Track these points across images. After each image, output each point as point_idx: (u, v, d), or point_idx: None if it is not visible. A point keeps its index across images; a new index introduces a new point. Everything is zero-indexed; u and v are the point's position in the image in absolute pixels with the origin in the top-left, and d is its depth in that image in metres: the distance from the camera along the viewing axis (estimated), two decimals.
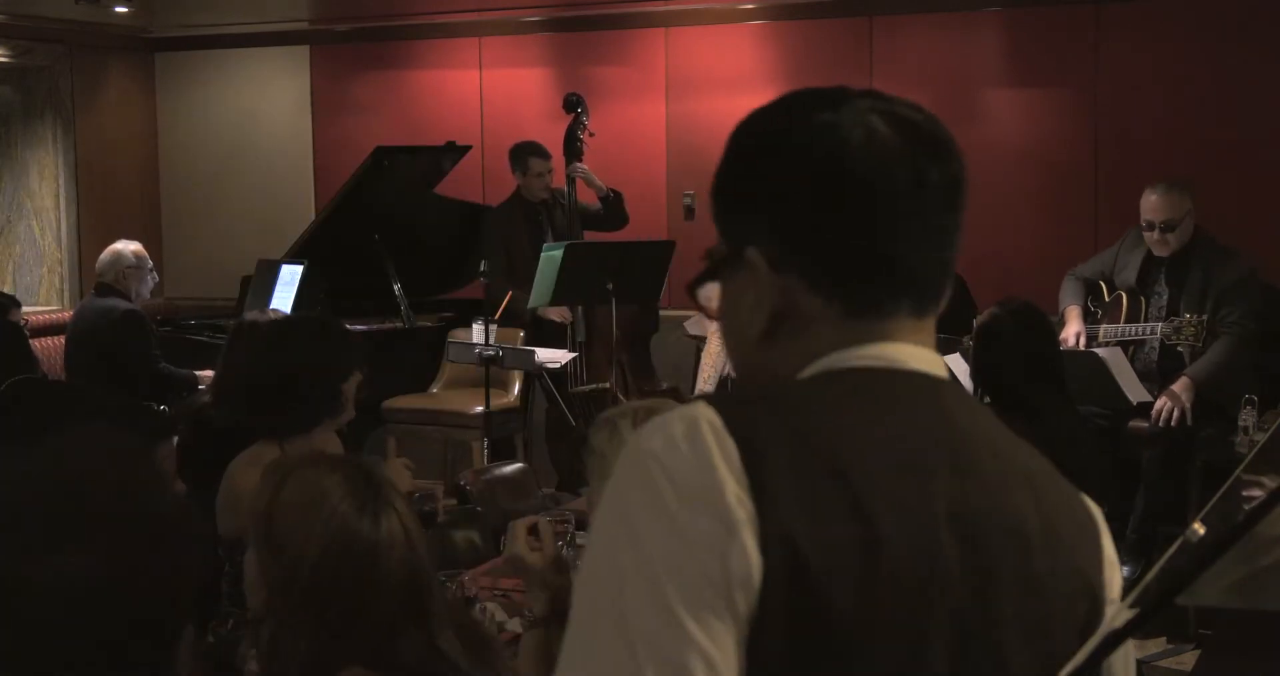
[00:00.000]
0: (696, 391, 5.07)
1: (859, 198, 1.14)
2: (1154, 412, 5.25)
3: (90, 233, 8.30)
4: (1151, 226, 5.46)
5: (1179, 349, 5.25)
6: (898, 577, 1.06)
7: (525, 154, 6.76)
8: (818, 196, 1.15)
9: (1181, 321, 5.22)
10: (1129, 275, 5.61)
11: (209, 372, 6.15)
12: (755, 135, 1.21)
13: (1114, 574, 1.21)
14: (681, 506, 1.04)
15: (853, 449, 1.09)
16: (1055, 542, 1.16)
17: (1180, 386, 5.25)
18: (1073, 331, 5.55)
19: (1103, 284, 5.77)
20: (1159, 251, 5.50)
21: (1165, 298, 5.50)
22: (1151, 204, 5.45)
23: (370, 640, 1.99)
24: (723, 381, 4.89)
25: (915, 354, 1.17)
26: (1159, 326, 5.31)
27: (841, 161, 1.15)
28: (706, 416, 1.08)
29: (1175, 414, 5.21)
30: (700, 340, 6.30)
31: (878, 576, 1.05)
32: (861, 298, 1.16)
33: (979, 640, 1.10)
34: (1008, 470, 1.18)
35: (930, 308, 1.18)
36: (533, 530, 2.48)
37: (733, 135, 1.22)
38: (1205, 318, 5.22)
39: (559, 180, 6.82)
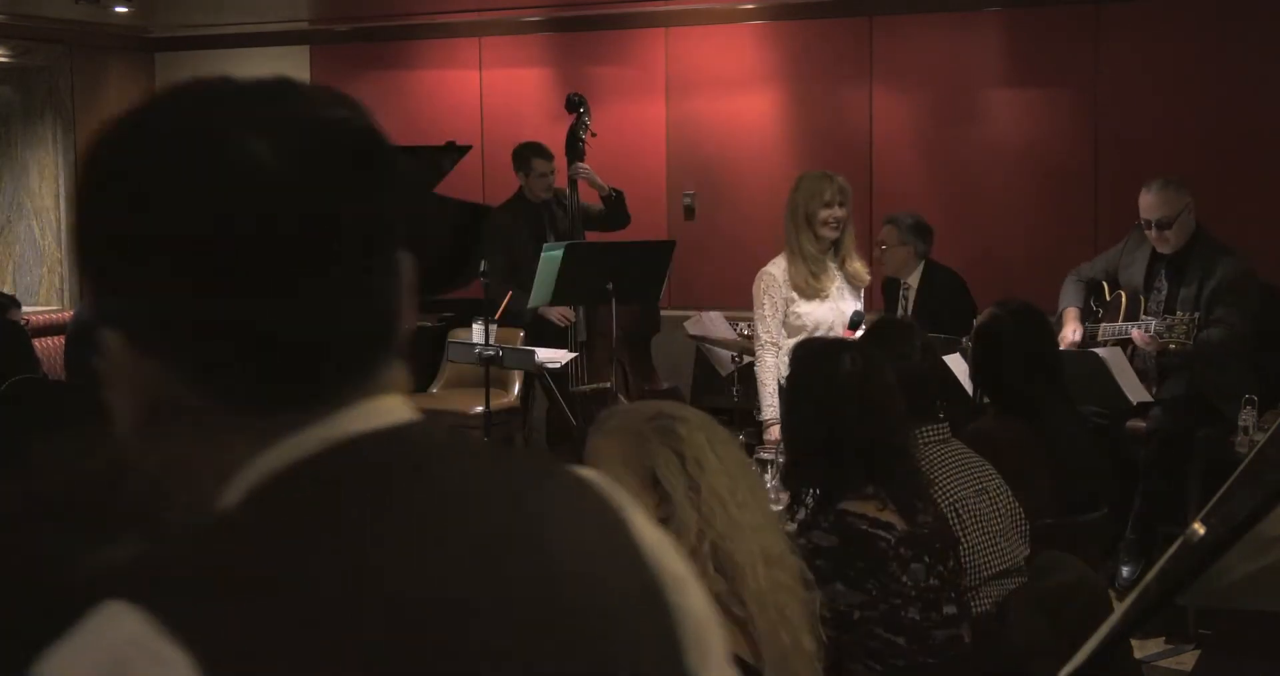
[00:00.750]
0: (765, 408, 5.03)
1: (245, 260, 0.84)
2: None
3: None
4: (1149, 224, 5.48)
5: (1171, 347, 5.25)
6: None
7: (529, 154, 6.77)
8: (183, 263, 0.84)
9: (1174, 319, 5.23)
10: (1135, 272, 5.62)
11: None
12: (103, 169, 0.88)
13: (661, 546, 1.01)
14: None
15: (333, 599, 0.81)
16: (607, 571, 0.96)
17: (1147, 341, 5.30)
18: (1068, 331, 5.56)
19: (1104, 283, 5.78)
20: (1161, 249, 5.51)
21: (1164, 293, 5.52)
22: (1147, 202, 5.48)
23: None
24: (782, 391, 4.86)
25: (366, 412, 0.90)
26: (1153, 323, 5.32)
27: (214, 210, 0.84)
28: (130, 632, 0.77)
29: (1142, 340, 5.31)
30: (700, 341, 6.31)
31: None
32: (264, 389, 0.87)
33: None
34: (518, 518, 0.93)
35: (373, 371, 0.91)
36: None
37: (85, 161, 0.90)
38: (1198, 315, 5.24)
39: (561, 181, 6.83)
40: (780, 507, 3.35)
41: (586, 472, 1.01)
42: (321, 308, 0.87)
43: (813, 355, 2.97)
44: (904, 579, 2.71)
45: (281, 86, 0.91)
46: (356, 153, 0.91)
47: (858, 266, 5.06)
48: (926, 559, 2.76)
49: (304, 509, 0.85)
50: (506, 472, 0.96)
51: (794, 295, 4.96)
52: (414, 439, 0.92)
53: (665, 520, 2.23)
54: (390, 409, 0.92)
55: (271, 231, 0.85)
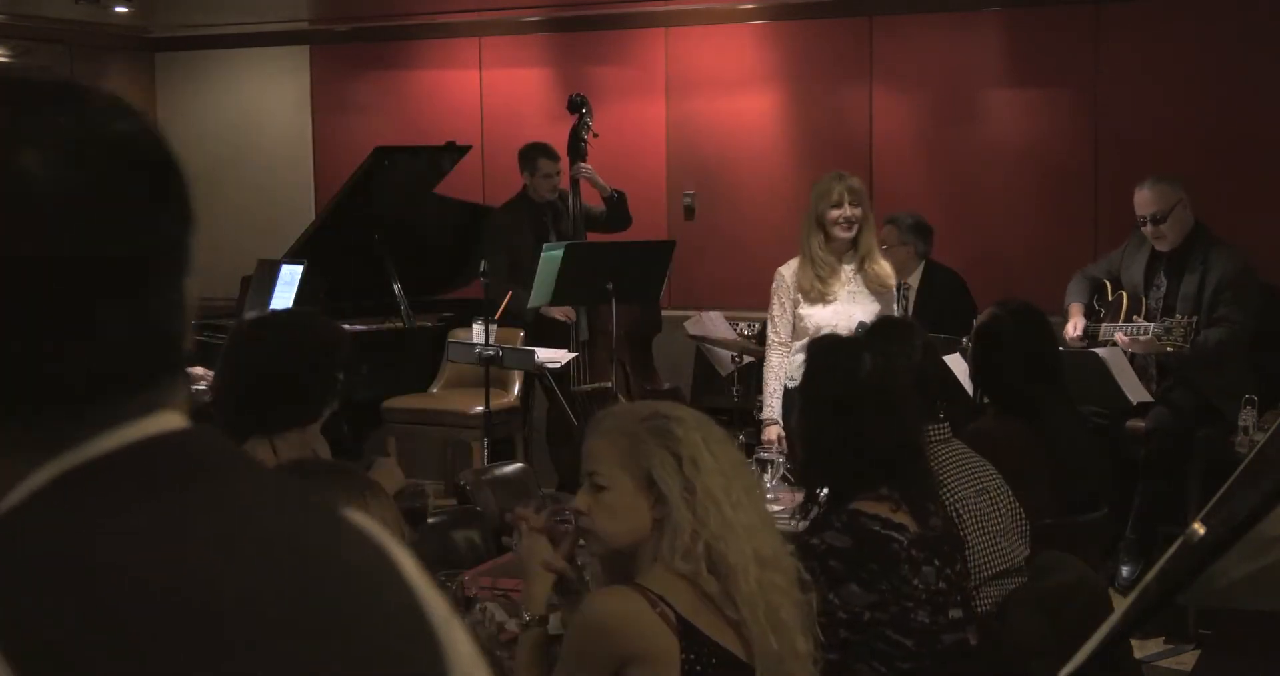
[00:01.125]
0: (765, 408, 5.00)
1: (3, 281, 0.79)
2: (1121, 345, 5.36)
3: None
4: (1144, 221, 5.50)
5: (1169, 349, 5.26)
6: None
7: (535, 154, 6.77)
8: None
9: (1173, 322, 5.23)
10: (1135, 272, 5.64)
11: (198, 369, 6.15)
12: None
13: (427, 585, 0.96)
14: None
15: (113, 597, 0.79)
16: (379, 590, 0.91)
17: (1140, 345, 5.30)
18: (1069, 327, 5.59)
19: (1107, 283, 5.79)
20: (1159, 246, 5.53)
21: (1163, 290, 5.53)
22: (1141, 198, 5.52)
23: None
24: (787, 393, 4.82)
25: (142, 427, 0.86)
26: (1151, 326, 5.33)
27: None
28: None
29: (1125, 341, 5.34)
30: (700, 341, 6.30)
31: None
32: (27, 413, 0.83)
33: None
34: (291, 528, 0.89)
35: (151, 395, 0.87)
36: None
37: None
38: (1197, 319, 5.24)
39: (564, 181, 6.83)
40: (786, 507, 3.34)
41: (350, 511, 0.97)
42: (93, 334, 0.81)
43: (830, 353, 2.95)
44: (915, 581, 2.70)
45: (60, 91, 0.82)
46: (139, 170, 0.83)
47: (881, 267, 4.94)
48: (936, 562, 2.75)
49: (81, 509, 0.81)
50: (280, 485, 0.93)
51: (799, 297, 4.93)
52: (187, 446, 0.88)
53: (661, 521, 2.22)
54: (166, 422, 0.87)
55: (36, 251, 0.78)
